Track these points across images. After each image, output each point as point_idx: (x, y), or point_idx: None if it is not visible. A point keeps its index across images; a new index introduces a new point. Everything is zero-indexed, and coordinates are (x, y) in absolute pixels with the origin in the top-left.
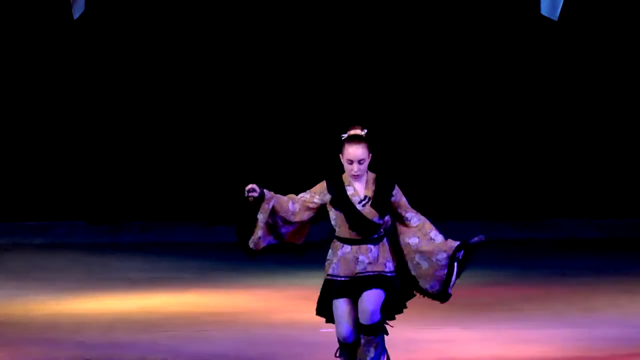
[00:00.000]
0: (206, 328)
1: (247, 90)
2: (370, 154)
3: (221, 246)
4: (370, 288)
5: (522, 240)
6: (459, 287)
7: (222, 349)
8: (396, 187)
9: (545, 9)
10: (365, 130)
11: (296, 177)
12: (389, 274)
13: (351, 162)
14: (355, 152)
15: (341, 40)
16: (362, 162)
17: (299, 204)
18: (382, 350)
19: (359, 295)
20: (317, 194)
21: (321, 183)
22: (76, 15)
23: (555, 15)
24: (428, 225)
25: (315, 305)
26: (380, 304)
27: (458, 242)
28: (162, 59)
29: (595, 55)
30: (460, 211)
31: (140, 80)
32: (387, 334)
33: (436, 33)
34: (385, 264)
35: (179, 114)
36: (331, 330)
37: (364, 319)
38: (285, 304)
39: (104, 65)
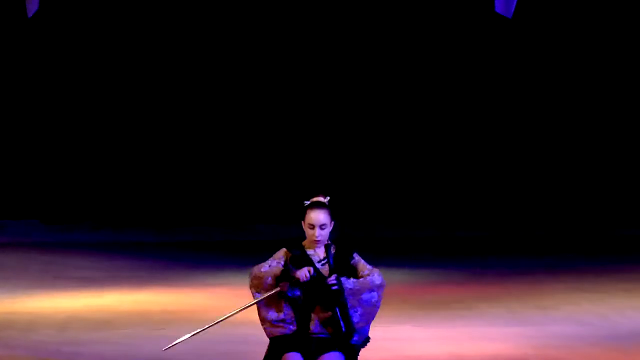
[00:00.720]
0: (162, 326)
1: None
2: (332, 222)
3: (176, 245)
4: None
5: (474, 239)
6: (414, 286)
7: (178, 347)
8: (356, 254)
9: (499, 7)
10: (328, 198)
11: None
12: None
13: (312, 227)
14: (317, 217)
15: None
16: (323, 227)
17: (272, 276)
18: None
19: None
20: (278, 259)
21: (281, 250)
22: (30, 14)
23: (510, 13)
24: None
25: None
26: None
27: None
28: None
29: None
30: (415, 210)
31: (106, 81)
32: None
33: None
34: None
35: (129, 116)
36: None
37: None
38: (241, 302)
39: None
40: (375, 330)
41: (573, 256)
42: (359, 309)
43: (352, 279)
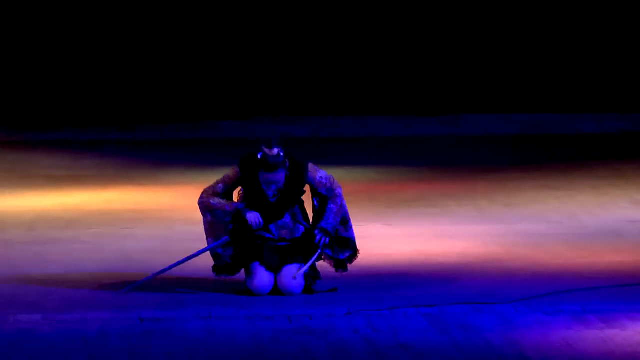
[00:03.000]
0: (129, 225)
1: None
2: (287, 160)
3: (142, 143)
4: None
5: (442, 137)
6: (381, 184)
7: (144, 245)
8: (310, 167)
9: None
10: (280, 148)
11: None
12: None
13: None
14: (273, 178)
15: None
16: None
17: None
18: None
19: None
20: (229, 183)
21: (234, 170)
22: None
23: None
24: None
25: None
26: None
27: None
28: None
29: None
30: (378, 106)
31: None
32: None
33: None
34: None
35: (94, 11)
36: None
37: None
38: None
39: None
40: None
41: (541, 153)
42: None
43: (330, 219)
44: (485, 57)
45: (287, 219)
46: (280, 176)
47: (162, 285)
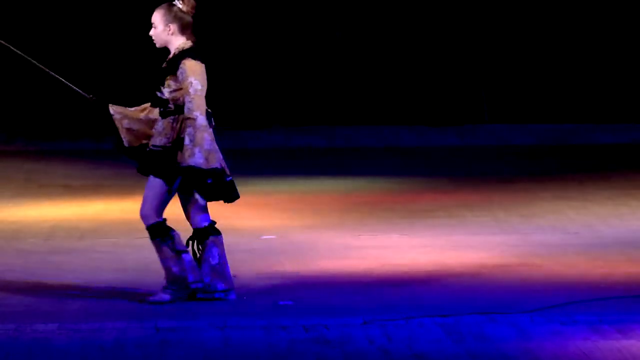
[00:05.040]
0: (146, 235)
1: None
2: (170, 26)
3: None
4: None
5: (458, 147)
6: (398, 194)
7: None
8: (186, 61)
9: None
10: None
11: None
12: (154, 148)
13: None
14: (153, 14)
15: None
16: (154, 26)
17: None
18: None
19: None
20: None
21: None
22: None
23: None
24: None
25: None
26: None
27: None
28: None
29: None
30: (394, 116)
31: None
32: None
33: None
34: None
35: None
36: (272, 237)
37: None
38: (224, 209)
39: None
40: (361, 239)
41: (558, 163)
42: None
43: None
44: (502, 68)
45: (160, 127)
46: (155, 18)
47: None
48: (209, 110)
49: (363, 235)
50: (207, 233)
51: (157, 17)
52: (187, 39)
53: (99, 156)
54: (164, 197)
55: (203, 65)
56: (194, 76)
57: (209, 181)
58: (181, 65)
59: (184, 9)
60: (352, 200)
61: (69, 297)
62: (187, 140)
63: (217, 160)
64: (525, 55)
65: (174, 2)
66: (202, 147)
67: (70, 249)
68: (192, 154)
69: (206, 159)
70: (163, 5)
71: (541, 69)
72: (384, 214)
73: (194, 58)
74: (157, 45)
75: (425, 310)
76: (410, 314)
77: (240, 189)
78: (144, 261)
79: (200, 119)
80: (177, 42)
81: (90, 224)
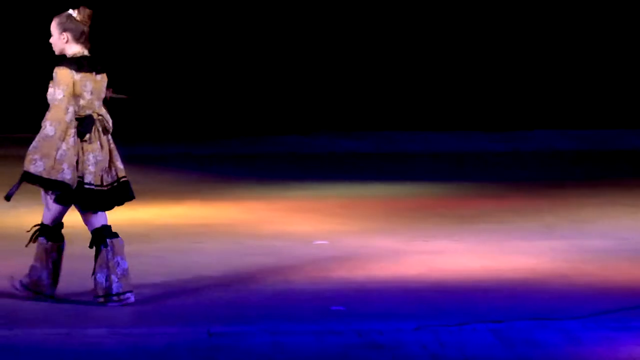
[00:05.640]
0: (195, 240)
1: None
2: (64, 34)
3: (209, 158)
4: None
5: (507, 152)
6: (447, 200)
7: (211, 259)
8: (54, 74)
9: None
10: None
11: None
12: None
13: None
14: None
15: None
16: (52, 33)
17: None
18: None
19: None
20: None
21: None
22: None
23: None
24: None
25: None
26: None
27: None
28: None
29: None
30: (441, 122)
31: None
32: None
33: None
34: None
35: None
36: (324, 242)
37: None
38: (275, 215)
39: None
40: (412, 244)
41: (606, 169)
42: None
43: None
44: (550, 73)
45: None
46: (52, 28)
47: (231, 299)
48: (89, 118)
49: (413, 241)
50: (98, 237)
51: (54, 26)
52: (83, 47)
53: (150, 161)
54: (47, 203)
55: (83, 75)
56: (59, 85)
57: (55, 192)
58: (53, 73)
59: (78, 18)
60: (401, 205)
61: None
62: (30, 146)
63: (64, 171)
64: (573, 61)
65: (69, 11)
66: (47, 156)
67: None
68: (32, 161)
69: (50, 168)
70: (60, 14)
71: (589, 74)
72: (433, 220)
73: (69, 67)
74: (56, 53)
75: (477, 315)
76: (462, 320)
77: (290, 194)
78: (194, 266)
79: (49, 129)
80: (72, 50)
81: (142, 228)
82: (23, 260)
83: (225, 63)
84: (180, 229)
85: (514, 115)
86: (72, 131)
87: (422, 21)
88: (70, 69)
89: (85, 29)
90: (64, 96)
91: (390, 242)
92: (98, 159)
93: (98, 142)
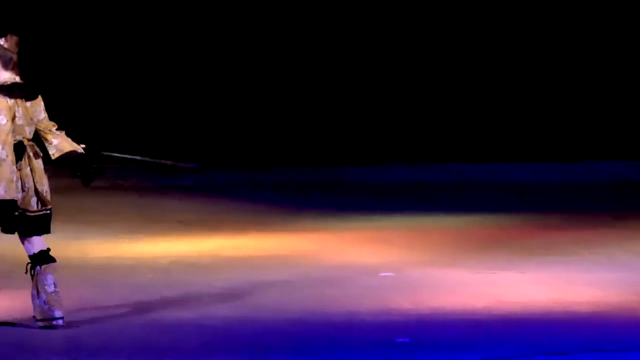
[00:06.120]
0: (260, 270)
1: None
2: None
3: (275, 187)
4: None
5: (571, 183)
6: (512, 231)
7: (276, 290)
8: None
9: None
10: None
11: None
12: None
13: None
14: None
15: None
16: None
17: None
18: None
19: None
20: None
21: None
22: None
23: None
24: None
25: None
26: None
27: None
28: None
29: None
30: (507, 153)
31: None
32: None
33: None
34: None
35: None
36: (390, 273)
37: None
38: (341, 246)
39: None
40: (477, 276)
41: None
42: None
43: None
44: (618, 104)
45: None
46: None
47: (294, 330)
48: (17, 144)
49: (479, 272)
50: (35, 261)
51: None
52: (14, 74)
53: (215, 191)
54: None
55: (14, 101)
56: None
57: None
58: None
59: (6, 45)
60: (466, 236)
61: (185, 333)
62: None
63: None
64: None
65: None
66: (8, 180)
67: (185, 284)
68: None
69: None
70: None
71: None
72: (499, 251)
73: (2, 94)
74: None
75: (542, 347)
76: (528, 351)
77: (356, 224)
78: (264, 297)
79: (1, 154)
80: (2, 77)
81: (206, 259)
82: (86, 290)
83: (295, 93)
84: (245, 260)
85: (579, 145)
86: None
87: (495, 54)
88: (4, 95)
89: (14, 56)
90: (7, 121)
91: (456, 273)
92: (27, 185)
93: (28, 168)
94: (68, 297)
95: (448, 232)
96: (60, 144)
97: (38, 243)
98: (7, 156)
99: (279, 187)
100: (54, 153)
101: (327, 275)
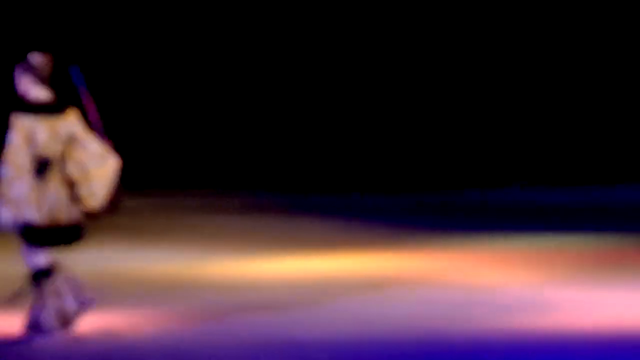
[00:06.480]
0: (388, 290)
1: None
2: (25, 78)
3: (402, 209)
4: None
5: None
6: (605, 250)
7: (402, 310)
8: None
9: None
10: None
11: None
12: None
13: None
14: None
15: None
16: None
17: None
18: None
19: None
20: None
21: None
22: None
23: None
24: None
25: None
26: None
27: None
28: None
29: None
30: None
31: None
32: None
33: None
34: None
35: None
36: (513, 292)
37: None
38: (464, 266)
39: None
40: (599, 296)
41: None
42: None
43: None
44: None
45: None
46: None
47: (416, 350)
48: (44, 161)
49: (600, 292)
50: (38, 276)
51: (17, 70)
52: (43, 91)
53: (350, 211)
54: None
55: (38, 119)
56: (12, 130)
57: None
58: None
59: (38, 62)
60: (588, 257)
61: (315, 350)
62: None
63: (21, 210)
64: None
65: (28, 57)
66: (10, 199)
67: (314, 303)
68: None
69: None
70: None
71: None
72: (621, 272)
73: (24, 112)
74: (19, 94)
75: None
76: None
77: (479, 245)
78: (387, 317)
79: (4, 172)
80: (33, 93)
81: (336, 279)
82: (220, 307)
83: (427, 118)
84: (375, 279)
85: None
86: (27, 171)
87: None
88: (27, 113)
89: (45, 73)
90: (16, 141)
91: (578, 293)
92: (50, 199)
93: (53, 183)
94: (205, 315)
95: (571, 253)
96: (94, 192)
97: (46, 257)
98: (13, 176)
99: (408, 209)
100: (90, 203)
101: (453, 295)
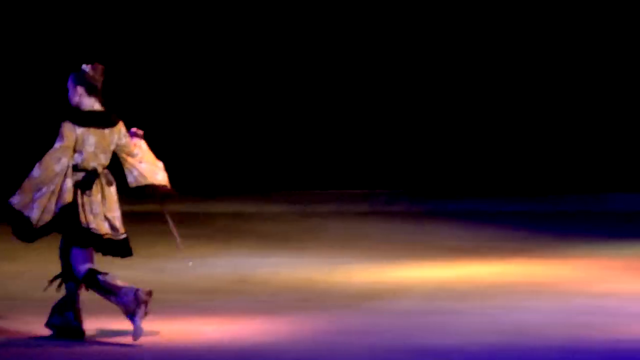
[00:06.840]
0: (524, 298)
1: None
2: (78, 89)
3: (543, 215)
4: None
5: None
6: None
7: (540, 317)
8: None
9: None
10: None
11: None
12: None
13: None
14: None
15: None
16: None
17: None
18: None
19: None
20: None
21: None
22: None
23: None
24: None
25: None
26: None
27: None
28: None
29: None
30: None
31: None
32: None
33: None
34: None
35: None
36: None
37: None
38: (607, 274)
39: None
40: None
41: None
42: None
43: None
44: None
45: None
46: None
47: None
48: (90, 171)
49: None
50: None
51: (69, 81)
52: (95, 102)
53: (483, 218)
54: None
55: (87, 129)
56: (60, 136)
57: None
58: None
59: (91, 73)
60: None
61: (446, 359)
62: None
63: (45, 212)
64: None
65: (82, 67)
66: (27, 194)
67: (451, 310)
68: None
69: (24, 204)
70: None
71: None
72: None
73: (72, 121)
74: (72, 105)
75: None
76: None
77: (624, 252)
78: (523, 324)
79: (35, 172)
80: (86, 103)
81: (470, 286)
82: (350, 315)
83: (564, 119)
84: (509, 286)
85: None
86: (61, 179)
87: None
88: (74, 123)
89: (99, 84)
90: (59, 147)
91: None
92: (96, 210)
93: (99, 195)
94: (328, 321)
95: None
96: (139, 175)
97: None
98: (38, 176)
99: (544, 215)
100: (131, 182)
101: (593, 303)
